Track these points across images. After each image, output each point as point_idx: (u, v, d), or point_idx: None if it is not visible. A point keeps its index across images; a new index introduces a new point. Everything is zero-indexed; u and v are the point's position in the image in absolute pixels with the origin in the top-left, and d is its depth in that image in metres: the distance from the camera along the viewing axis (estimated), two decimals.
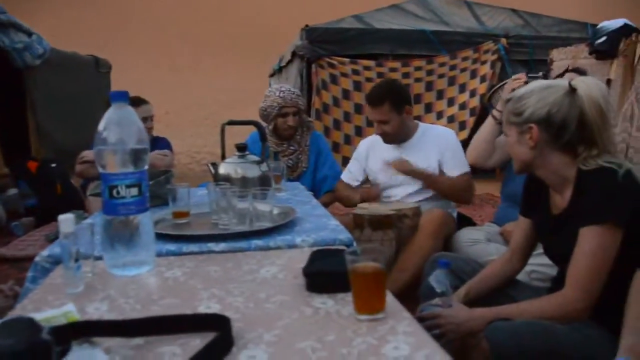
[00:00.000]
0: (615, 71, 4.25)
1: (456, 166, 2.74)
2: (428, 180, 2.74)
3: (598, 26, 4.66)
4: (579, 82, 1.53)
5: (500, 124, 2.44)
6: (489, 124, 2.59)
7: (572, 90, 1.52)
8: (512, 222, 2.36)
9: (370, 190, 2.88)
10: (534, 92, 1.58)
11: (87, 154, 3.33)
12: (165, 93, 16.38)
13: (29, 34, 5.82)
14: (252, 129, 2.88)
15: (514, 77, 2.59)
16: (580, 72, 2.71)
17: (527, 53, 6.85)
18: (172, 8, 27.92)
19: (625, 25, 4.33)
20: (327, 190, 3.17)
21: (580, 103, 1.50)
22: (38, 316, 0.93)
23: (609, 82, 4.24)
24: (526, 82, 2.37)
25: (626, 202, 1.45)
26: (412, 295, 1.99)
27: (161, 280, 1.24)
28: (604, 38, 4.37)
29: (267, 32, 24.46)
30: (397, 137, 2.78)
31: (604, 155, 1.51)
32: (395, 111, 2.70)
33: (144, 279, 1.26)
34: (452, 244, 2.57)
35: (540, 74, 2.78)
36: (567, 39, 6.46)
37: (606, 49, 4.34)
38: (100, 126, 1.22)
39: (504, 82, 2.93)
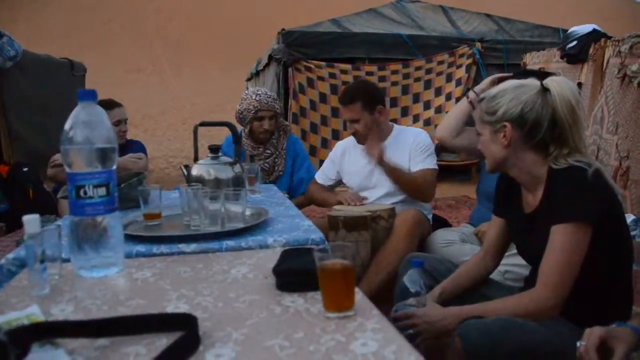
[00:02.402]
0: (586, 75, 4.32)
1: (421, 161, 2.74)
2: (390, 172, 2.66)
3: (568, 31, 4.74)
4: (551, 81, 1.55)
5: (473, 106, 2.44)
6: (462, 103, 2.58)
7: (545, 89, 1.54)
8: (487, 222, 2.38)
9: (351, 195, 2.84)
10: (507, 91, 1.60)
11: (59, 157, 3.27)
12: (143, 97, 16.23)
13: (0, 35, 5.71)
14: (228, 131, 2.88)
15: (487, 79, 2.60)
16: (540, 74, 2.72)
17: (502, 57, 6.94)
18: (152, 13, 27.73)
19: (594, 30, 4.42)
20: (302, 192, 3.17)
21: (552, 102, 1.52)
22: None
23: (579, 85, 4.30)
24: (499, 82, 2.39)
25: (595, 201, 1.47)
26: (388, 296, 1.99)
27: (130, 282, 1.22)
28: (574, 43, 4.44)
29: (245, 37, 24.43)
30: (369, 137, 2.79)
31: (575, 154, 1.53)
32: (366, 110, 2.71)
33: (112, 280, 1.23)
34: (427, 245, 2.58)
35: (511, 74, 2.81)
36: (540, 44, 6.58)
37: (576, 53, 4.41)
38: (67, 125, 1.20)
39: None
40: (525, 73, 2.43)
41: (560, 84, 1.54)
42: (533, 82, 1.59)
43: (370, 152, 2.59)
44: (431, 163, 2.75)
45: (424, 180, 2.71)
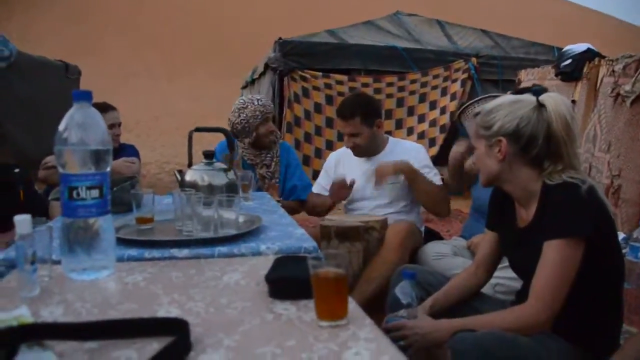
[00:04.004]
0: (579, 93, 4.36)
1: (431, 179, 2.75)
2: (411, 173, 2.66)
3: (563, 49, 4.79)
4: (547, 97, 1.56)
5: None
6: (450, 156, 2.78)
7: (540, 105, 1.55)
8: (480, 234, 2.39)
9: (338, 187, 2.83)
10: (503, 106, 1.60)
11: (51, 160, 3.25)
12: (137, 102, 16.21)
13: None
14: (222, 137, 2.86)
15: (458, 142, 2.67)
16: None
17: (496, 73, 6.99)
18: (148, 19, 27.77)
19: (589, 49, 4.47)
20: (294, 200, 3.16)
21: (547, 118, 1.53)
22: None
23: (573, 103, 4.35)
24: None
25: (589, 217, 1.47)
26: (379, 307, 1.98)
27: (121, 285, 1.20)
28: (568, 61, 4.49)
29: (240, 45, 24.49)
30: (367, 150, 2.80)
31: (569, 171, 1.54)
32: (365, 124, 2.71)
33: (102, 283, 1.22)
34: (418, 257, 2.58)
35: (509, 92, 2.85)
36: (534, 61, 6.64)
37: (570, 71, 4.46)
38: (61, 125, 1.19)
39: (473, 100, 2.99)
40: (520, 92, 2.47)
41: (556, 100, 1.55)
42: (529, 98, 1.60)
43: (381, 176, 2.65)
44: (438, 179, 2.78)
45: (444, 194, 2.76)
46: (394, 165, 2.63)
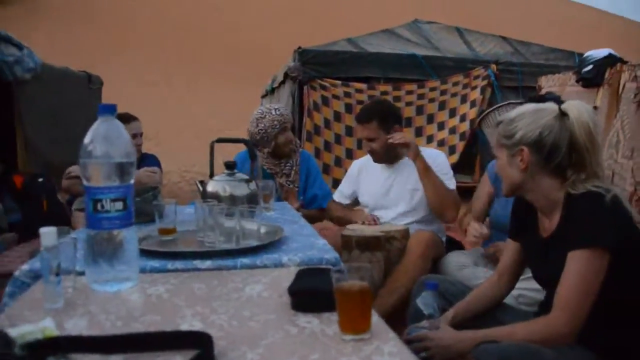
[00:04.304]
0: (601, 99, 4.30)
1: (445, 182, 2.72)
2: (424, 167, 2.64)
3: (584, 55, 4.73)
4: (570, 106, 1.55)
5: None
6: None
7: (563, 114, 1.53)
8: (501, 242, 2.37)
9: (367, 215, 2.83)
10: (525, 115, 1.59)
11: (75, 169, 3.30)
12: (157, 111, 16.37)
13: (20, 47, 5.81)
14: (242, 147, 2.88)
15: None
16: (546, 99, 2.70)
17: (516, 80, 6.93)
18: (169, 28, 28.11)
19: (610, 55, 4.41)
20: (315, 208, 3.16)
21: (570, 126, 1.51)
22: (13, 331, 0.90)
23: (595, 109, 4.29)
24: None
25: (613, 227, 1.45)
26: (401, 317, 1.97)
27: (144, 297, 1.21)
28: (590, 67, 4.43)
29: (260, 54, 24.64)
30: (384, 156, 2.79)
31: (592, 180, 1.52)
32: (382, 129, 2.71)
33: (126, 295, 1.23)
34: (440, 268, 2.55)
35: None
36: (555, 67, 6.55)
37: (592, 77, 4.40)
38: (86, 139, 1.21)
39: (494, 107, 2.96)
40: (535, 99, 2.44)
41: (579, 109, 1.53)
42: (551, 106, 1.58)
43: (404, 145, 2.63)
44: (453, 184, 2.74)
45: (455, 198, 2.72)
46: (413, 146, 2.63)
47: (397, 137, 2.65)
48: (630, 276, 1.51)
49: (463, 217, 2.75)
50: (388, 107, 2.88)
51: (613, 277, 1.45)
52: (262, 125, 3.03)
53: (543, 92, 5.15)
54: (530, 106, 1.64)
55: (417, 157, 2.62)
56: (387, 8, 27.05)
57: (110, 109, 1.24)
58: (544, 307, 1.64)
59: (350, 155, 6.57)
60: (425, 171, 2.63)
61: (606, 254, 1.44)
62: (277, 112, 3.05)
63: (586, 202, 1.49)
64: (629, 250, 1.49)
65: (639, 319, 1.56)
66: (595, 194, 1.48)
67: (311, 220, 2.86)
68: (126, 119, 3.36)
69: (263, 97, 9.86)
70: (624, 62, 4.18)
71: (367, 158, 2.92)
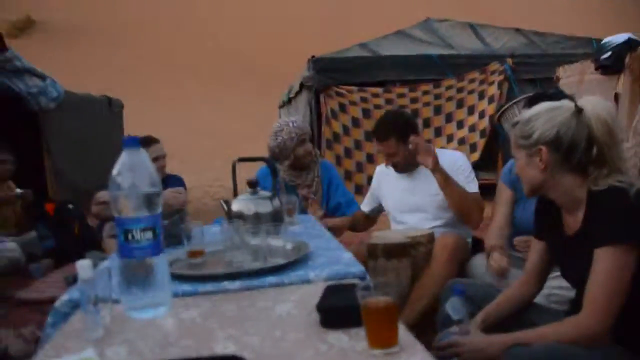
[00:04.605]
0: (623, 85, 4.24)
1: (467, 185, 2.72)
2: (444, 178, 2.63)
3: (602, 42, 4.67)
4: (585, 102, 1.54)
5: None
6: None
7: (579, 110, 1.53)
8: (523, 236, 2.36)
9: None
10: (541, 114, 1.59)
11: (103, 195, 3.38)
12: (176, 128, 16.59)
13: (43, 78, 5.98)
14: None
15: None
16: (543, 97, 2.60)
17: (534, 72, 6.86)
18: (181, 44, 28.49)
19: (630, 39, 4.34)
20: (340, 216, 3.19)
21: (587, 123, 1.51)
22: None
23: (616, 96, 4.24)
24: None
25: (638, 222, 1.44)
26: (431, 323, 1.98)
27: (178, 322, 1.25)
28: (608, 53, 4.38)
29: (276, 64, 24.81)
30: (408, 165, 2.80)
31: (615, 174, 1.51)
32: (401, 143, 2.72)
33: (161, 320, 1.27)
34: (468, 270, 2.55)
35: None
36: (573, 56, 6.47)
37: (611, 64, 4.35)
38: (114, 171, 1.26)
39: (513, 102, 2.95)
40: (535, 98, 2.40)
41: (594, 104, 1.53)
42: (567, 104, 1.58)
43: (424, 161, 2.62)
44: (475, 187, 2.74)
45: (478, 202, 2.71)
46: (435, 161, 2.61)
47: (420, 149, 2.64)
48: None
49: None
50: (404, 121, 2.86)
51: None
52: (281, 138, 3.09)
53: (569, 81, 5.10)
54: (545, 105, 1.64)
55: (437, 169, 2.62)
56: (398, 8, 26.99)
57: (134, 141, 1.29)
58: (575, 305, 1.63)
59: (372, 159, 6.58)
60: (446, 182, 2.63)
61: (633, 249, 1.43)
62: (295, 125, 3.10)
63: (609, 198, 1.48)
64: None
65: None
66: (618, 189, 1.47)
67: (337, 229, 2.90)
68: (147, 142, 3.43)
69: (280, 107, 9.94)
70: None
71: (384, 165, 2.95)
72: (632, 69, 4.12)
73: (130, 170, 1.26)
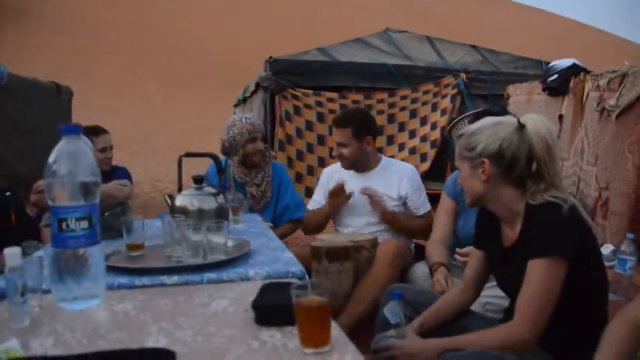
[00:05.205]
0: (566, 107, 4.41)
1: (421, 205, 2.90)
2: (392, 219, 2.84)
3: (549, 65, 4.85)
4: (528, 119, 1.61)
5: None
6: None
7: (521, 126, 1.59)
8: (468, 247, 2.41)
9: (338, 189, 2.89)
10: (485, 128, 1.64)
11: (43, 184, 3.25)
12: (130, 121, 16.23)
13: None
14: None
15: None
16: (489, 113, 2.69)
17: (486, 88, 7.05)
18: (144, 39, 27.92)
19: (574, 64, 4.52)
20: (287, 219, 3.18)
21: (529, 139, 1.57)
22: None
23: (560, 117, 4.40)
24: None
25: (571, 236, 1.51)
26: (370, 326, 2.00)
27: (111, 314, 1.22)
28: (555, 76, 4.54)
29: (233, 64, 24.64)
30: (353, 163, 2.86)
31: (551, 190, 1.57)
32: (355, 137, 2.78)
33: (93, 312, 1.24)
34: (409, 277, 2.59)
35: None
36: (523, 75, 6.68)
37: (557, 86, 4.51)
38: (51, 158, 1.22)
39: (463, 115, 3.03)
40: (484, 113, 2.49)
41: (536, 122, 1.59)
42: (510, 120, 1.64)
43: (375, 208, 2.81)
44: (427, 207, 2.92)
45: (427, 224, 2.83)
46: (379, 204, 2.81)
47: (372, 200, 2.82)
48: (587, 282, 1.57)
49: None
50: (366, 118, 2.95)
51: (571, 284, 1.50)
52: (232, 132, 3.06)
53: (518, 99, 5.25)
54: (490, 119, 1.69)
55: (382, 210, 2.80)
56: (359, 18, 27.31)
57: (75, 130, 1.25)
58: (509, 313, 1.69)
59: (323, 163, 6.60)
60: (393, 222, 2.84)
61: (563, 262, 1.49)
62: (248, 121, 3.08)
63: (545, 212, 1.54)
64: (586, 258, 1.55)
65: (598, 323, 1.62)
66: (553, 204, 1.53)
67: (284, 236, 2.90)
68: (96, 132, 3.35)
69: (235, 106, 9.84)
70: (587, 72, 4.30)
71: (337, 166, 2.98)
72: (575, 92, 4.29)
73: (68, 158, 1.23)
